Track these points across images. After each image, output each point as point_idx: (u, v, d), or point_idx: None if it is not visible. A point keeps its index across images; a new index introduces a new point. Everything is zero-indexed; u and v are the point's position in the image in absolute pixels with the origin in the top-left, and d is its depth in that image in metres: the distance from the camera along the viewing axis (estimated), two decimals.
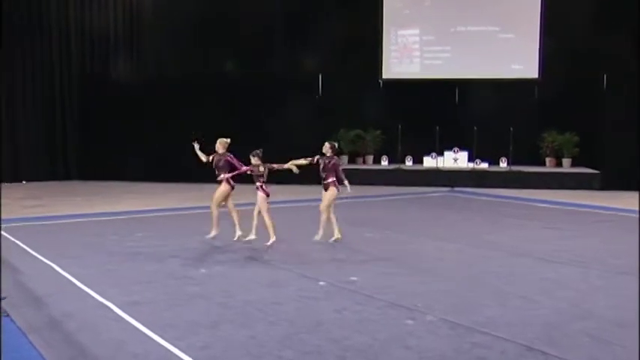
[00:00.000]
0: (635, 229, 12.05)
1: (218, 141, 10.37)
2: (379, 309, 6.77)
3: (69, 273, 8.25)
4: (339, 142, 20.64)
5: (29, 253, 9.58)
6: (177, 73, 21.14)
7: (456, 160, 20.26)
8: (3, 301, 6.81)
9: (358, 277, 8.06)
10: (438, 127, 19.93)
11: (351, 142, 21.09)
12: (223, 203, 10.41)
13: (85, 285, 7.65)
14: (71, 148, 21.12)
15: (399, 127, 20.22)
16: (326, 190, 10.20)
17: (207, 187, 18.13)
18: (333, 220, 10.36)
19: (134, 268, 8.66)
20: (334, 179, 10.11)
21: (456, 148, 20.28)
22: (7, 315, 6.54)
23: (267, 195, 9.94)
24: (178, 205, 14.82)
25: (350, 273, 8.26)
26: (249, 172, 10.08)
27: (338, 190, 10.19)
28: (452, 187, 19.07)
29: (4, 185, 18.51)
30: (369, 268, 8.68)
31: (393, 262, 9.09)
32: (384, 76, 21.47)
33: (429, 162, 20.42)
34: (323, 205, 10.25)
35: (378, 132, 21.07)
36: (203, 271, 8.49)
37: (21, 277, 8.13)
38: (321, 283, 7.82)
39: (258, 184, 9.98)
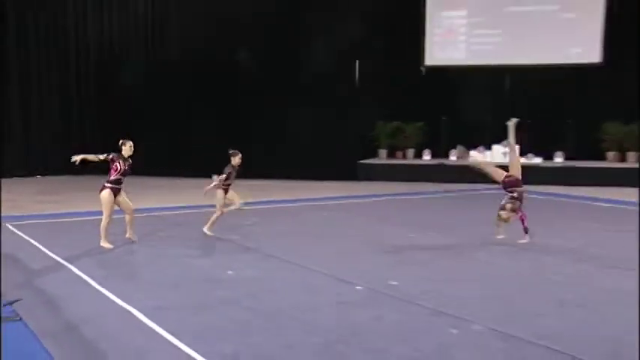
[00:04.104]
0: None
1: (129, 145, 10.08)
2: (421, 316, 6.75)
3: (87, 274, 8.30)
4: (375, 135, 20.97)
5: (43, 252, 9.67)
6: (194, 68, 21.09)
7: (505, 154, 20.02)
8: (15, 305, 6.91)
9: (398, 282, 8.01)
10: (486, 119, 19.87)
11: (389, 135, 21.09)
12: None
13: (105, 288, 7.69)
14: (90, 140, 21.24)
15: (443, 118, 20.26)
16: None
17: (255, 182, 18.44)
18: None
19: (157, 270, 8.71)
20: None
21: (505, 142, 19.98)
22: (20, 319, 6.57)
23: None
24: (201, 202, 14.38)
25: (389, 277, 8.22)
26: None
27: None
28: None
29: (18, 180, 18.85)
30: (410, 271, 8.65)
31: (437, 265, 9.06)
32: (427, 62, 21.31)
33: (476, 156, 20.24)
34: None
35: (420, 124, 20.95)
36: (230, 273, 8.50)
37: (34, 279, 8.19)
38: (359, 287, 7.78)
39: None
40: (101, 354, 5.70)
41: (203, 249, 10.06)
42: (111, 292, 7.51)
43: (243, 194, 15.87)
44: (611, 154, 20.02)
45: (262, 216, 13.24)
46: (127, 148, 10.05)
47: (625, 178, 18.54)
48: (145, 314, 6.68)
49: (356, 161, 20.37)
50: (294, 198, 16.02)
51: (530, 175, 19.04)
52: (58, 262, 9.02)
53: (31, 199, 15.29)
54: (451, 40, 21.19)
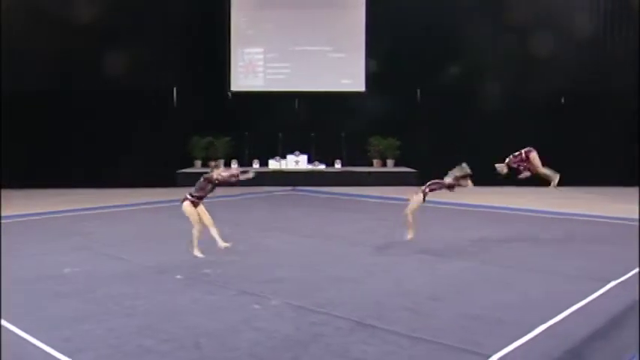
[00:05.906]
0: (445, 216, 12.88)
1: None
2: (230, 297, 6.78)
3: None
4: (191, 148, 20.80)
5: None
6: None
7: (297, 162, 20.66)
8: None
9: (211, 270, 8.00)
10: (280, 134, 20.68)
11: (203, 148, 20.93)
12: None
13: None
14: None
15: (246, 134, 20.59)
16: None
17: (81, 191, 17.47)
18: None
19: (4, 270, 8.10)
20: None
21: (297, 152, 20.73)
22: None
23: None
24: (46, 209, 13.59)
25: (204, 266, 8.19)
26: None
27: None
28: (294, 186, 19.38)
29: None
30: (221, 260, 8.61)
31: (243, 254, 9.07)
32: (233, 88, 21.47)
33: (273, 164, 20.68)
34: None
35: (228, 139, 21.03)
36: (67, 270, 8.07)
37: None
38: (178, 276, 7.70)
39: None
40: None
41: (45, 250, 9.37)
42: None
43: (85, 200, 15.21)
44: (375, 161, 21.24)
45: (101, 219, 12.64)
46: (218, 171, 8.98)
47: (386, 180, 19.82)
48: None
49: (175, 171, 19.96)
50: (127, 203, 15.27)
51: (317, 178, 19.88)
52: None
53: None
54: (251, 71, 21.49)
